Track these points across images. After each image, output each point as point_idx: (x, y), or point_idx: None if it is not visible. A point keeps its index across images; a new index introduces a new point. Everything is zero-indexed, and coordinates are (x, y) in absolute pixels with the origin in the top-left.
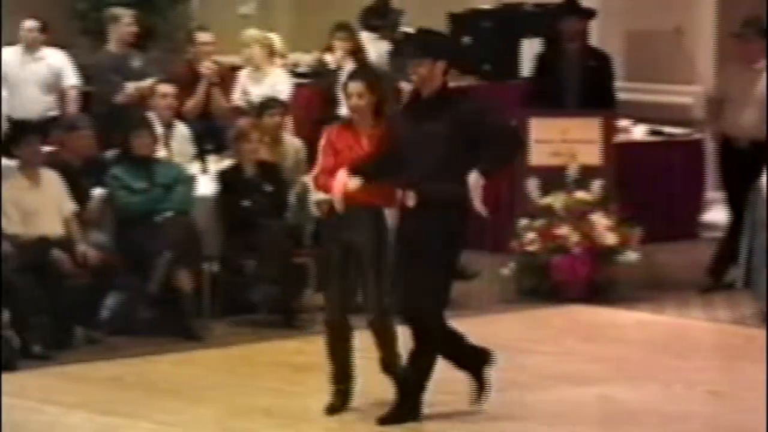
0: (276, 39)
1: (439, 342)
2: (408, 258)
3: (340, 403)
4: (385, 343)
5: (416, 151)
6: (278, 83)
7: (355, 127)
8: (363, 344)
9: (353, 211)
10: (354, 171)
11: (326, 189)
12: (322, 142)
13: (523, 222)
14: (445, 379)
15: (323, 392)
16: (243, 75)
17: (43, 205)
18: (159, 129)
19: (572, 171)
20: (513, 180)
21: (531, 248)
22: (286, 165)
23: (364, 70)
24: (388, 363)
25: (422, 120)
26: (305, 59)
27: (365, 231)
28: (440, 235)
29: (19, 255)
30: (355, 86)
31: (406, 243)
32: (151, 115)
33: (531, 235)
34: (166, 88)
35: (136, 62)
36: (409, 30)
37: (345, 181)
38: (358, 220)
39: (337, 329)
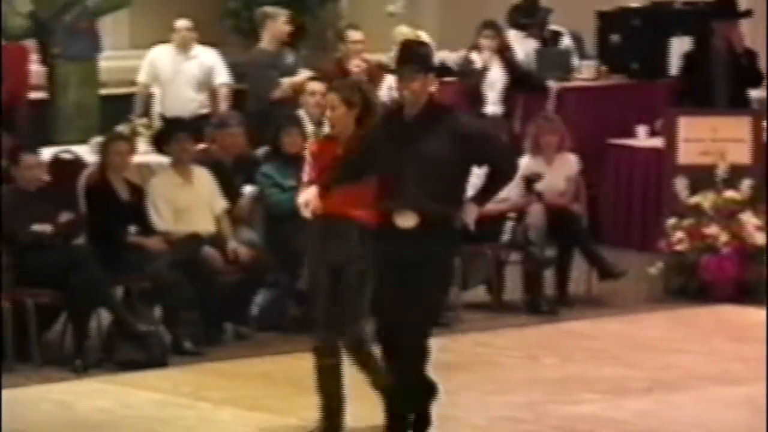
0: (426, 37)
1: (420, 360)
2: (401, 279)
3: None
4: (367, 362)
5: (410, 170)
6: None
7: (335, 140)
8: None
9: (338, 226)
10: (324, 187)
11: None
12: (306, 156)
13: (672, 221)
14: (591, 378)
15: (470, 390)
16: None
17: (195, 203)
18: (309, 127)
19: (721, 170)
20: (661, 179)
21: (679, 247)
22: None
23: (344, 82)
24: (377, 382)
25: (414, 137)
26: (452, 57)
27: (348, 247)
28: (444, 258)
29: (170, 252)
30: (330, 98)
31: (399, 264)
32: (301, 113)
33: (679, 235)
34: (316, 86)
35: (289, 59)
36: (558, 28)
37: (309, 199)
38: (342, 235)
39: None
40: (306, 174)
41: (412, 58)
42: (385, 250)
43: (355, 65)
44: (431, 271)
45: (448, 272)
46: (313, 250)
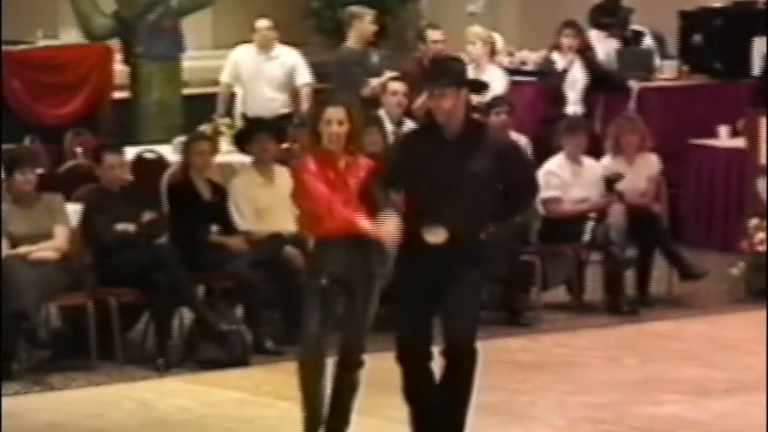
0: (498, 38)
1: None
2: (434, 296)
3: None
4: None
5: (448, 188)
6: (493, 81)
7: (331, 157)
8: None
9: (347, 244)
10: (380, 183)
11: (341, 219)
12: (303, 173)
13: (754, 221)
14: (672, 379)
15: (550, 390)
16: None
17: (277, 202)
18: (389, 126)
19: None
20: (743, 179)
21: (761, 248)
22: None
23: (342, 96)
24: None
25: (456, 156)
26: (532, 57)
27: (359, 265)
28: (479, 272)
29: (252, 251)
30: (336, 113)
31: (431, 281)
32: (382, 113)
33: (761, 235)
34: (397, 86)
35: (375, 59)
36: (639, 28)
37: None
38: (353, 253)
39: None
40: (312, 190)
41: (443, 73)
42: (416, 267)
43: None
44: (464, 287)
45: (479, 287)
46: (325, 268)
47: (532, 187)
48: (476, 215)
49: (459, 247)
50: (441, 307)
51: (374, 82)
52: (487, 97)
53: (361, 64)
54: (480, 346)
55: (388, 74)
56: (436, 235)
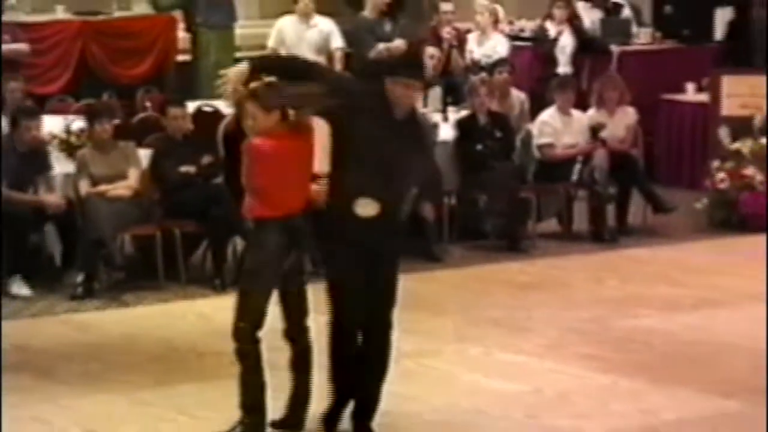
0: (500, 9)
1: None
2: (365, 268)
3: None
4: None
5: (386, 165)
6: (497, 46)
7: (278, 133)
8: None
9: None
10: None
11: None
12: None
13: (716, 163)
14: (647, 297)
15: (544, 306)
16: (471, 38)
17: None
18: None
19: (758, 120)
20: (707, 128)
21: (722, 186)
22: (513, 115)
23: (261, 89)
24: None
25: (395, 138)
26: (529, 26)
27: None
28: (399, 245)
29: None
30: (249, 108)
31: (364, 253)
32: None
33: (722, 175)
34: (433, 50)
35: (387, 27)
36: (619, 0)
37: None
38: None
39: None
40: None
41: (417, 67)
42: (346, 241)
43: (446, 32)
44: (394, 262)
45: (399, 258)
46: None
47: (431, 174)
48: (402, 194)
49: (385, 222)
50: (366, 286)
51: (381, 46)
52: (493, 59)
53: (372, 32)
54: (484, 270)
55: (398, 42)
56: (367, 208)
